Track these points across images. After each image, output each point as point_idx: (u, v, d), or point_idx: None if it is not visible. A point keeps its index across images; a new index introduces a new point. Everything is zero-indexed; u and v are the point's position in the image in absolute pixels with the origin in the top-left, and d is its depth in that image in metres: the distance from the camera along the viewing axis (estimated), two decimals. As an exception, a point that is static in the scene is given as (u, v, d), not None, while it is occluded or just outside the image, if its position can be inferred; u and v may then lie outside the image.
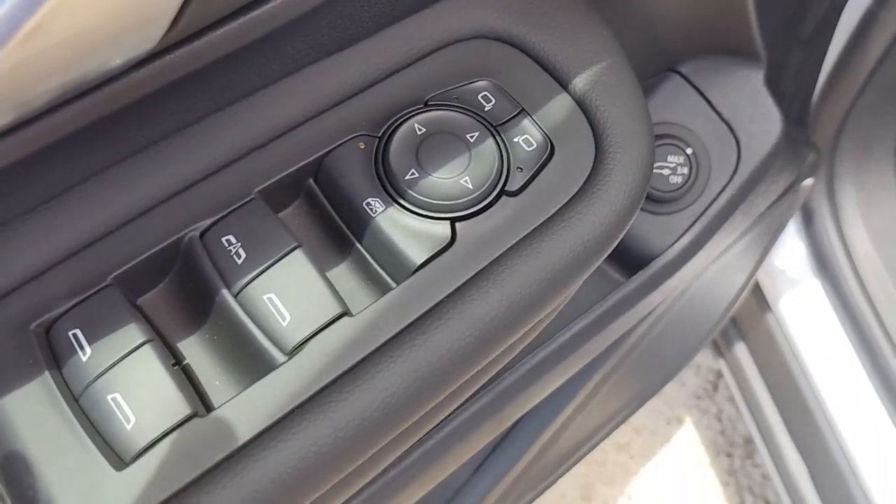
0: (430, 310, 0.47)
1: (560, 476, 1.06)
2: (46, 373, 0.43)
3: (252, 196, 0.49)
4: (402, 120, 0.52)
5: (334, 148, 0.51)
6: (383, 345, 0.46)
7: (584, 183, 0.52)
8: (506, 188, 0.51)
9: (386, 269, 0.49)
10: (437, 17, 0.55)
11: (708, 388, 1.64)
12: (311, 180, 0.51)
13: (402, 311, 0.47)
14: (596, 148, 0.53)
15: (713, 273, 0.99)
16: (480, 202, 0.50)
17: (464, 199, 0.50)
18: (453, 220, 0.50)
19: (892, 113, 1.14)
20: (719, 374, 1.64)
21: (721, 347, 1.45)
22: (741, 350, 1.37)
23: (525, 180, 0.51)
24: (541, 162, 0.52)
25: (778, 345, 1.23)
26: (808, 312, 1.21)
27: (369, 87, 0.53)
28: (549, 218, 0.51)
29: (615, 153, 0.52)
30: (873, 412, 1.15)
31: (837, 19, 0.94)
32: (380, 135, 0.52)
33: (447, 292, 0.48)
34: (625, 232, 0.53)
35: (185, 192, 0.49)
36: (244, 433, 0.43)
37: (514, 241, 0.50)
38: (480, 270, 0.49)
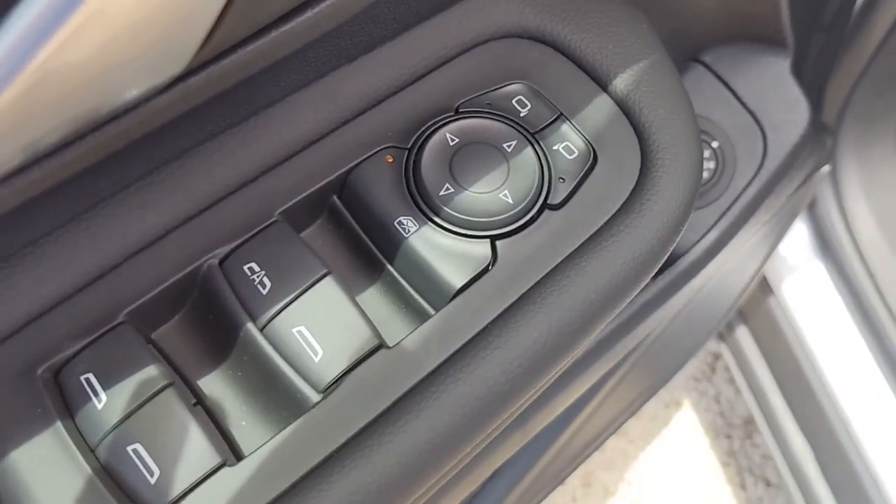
0: (474, 338, 0.44)
1: (570, 473, 1.05)
2: (58, 423, 0.40)
3: (275, 218, 0.45)
4: (432, 129, 0.49)
5: (360, 162, 0.48)
6: (424, 379, 0.43)
7: (631, 192, 0.49)
8: (548, 201, 0.48)
9: (422, 294, 0.46)
10: (464, 16, 0.52)
11: (706, 370, 1.64)
12: (334, 197, 0.48)
13: (443, 341, 0.44)
14: (641, 153, 0.50)
15: (728, 266, 0.97)
16: (522, 218, 0.47)
17: (504, 216, 0.47)
18: (493, 239, 0.47)
19: (896, 92, 1.13)
20: (717, 356, 1.64)
21: (722, 331, 1.43)
22: (743, 333, 1.36)
23: (568, 192, 0.48)
24: (584, 171, 0.49)
25: (781, 328, 1.23)
26: (811, 294, 1.20)
27: (395, 93, 0.50)
28: (595, 232, 0.48)
29: (663, 159, 0.49)
30: (878, 392, 1.15)
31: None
32: (409, 146, 0.48)
33: (491, 318, 0.45)
34: (676, 243, 0.49)
35: (201, 216, 0.45)
36: (278, 484, 0.40)
37: (559, 260, 0.47)
38: (525, 293, 0.46)
